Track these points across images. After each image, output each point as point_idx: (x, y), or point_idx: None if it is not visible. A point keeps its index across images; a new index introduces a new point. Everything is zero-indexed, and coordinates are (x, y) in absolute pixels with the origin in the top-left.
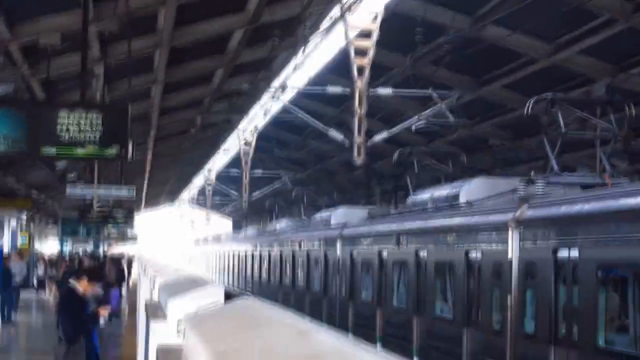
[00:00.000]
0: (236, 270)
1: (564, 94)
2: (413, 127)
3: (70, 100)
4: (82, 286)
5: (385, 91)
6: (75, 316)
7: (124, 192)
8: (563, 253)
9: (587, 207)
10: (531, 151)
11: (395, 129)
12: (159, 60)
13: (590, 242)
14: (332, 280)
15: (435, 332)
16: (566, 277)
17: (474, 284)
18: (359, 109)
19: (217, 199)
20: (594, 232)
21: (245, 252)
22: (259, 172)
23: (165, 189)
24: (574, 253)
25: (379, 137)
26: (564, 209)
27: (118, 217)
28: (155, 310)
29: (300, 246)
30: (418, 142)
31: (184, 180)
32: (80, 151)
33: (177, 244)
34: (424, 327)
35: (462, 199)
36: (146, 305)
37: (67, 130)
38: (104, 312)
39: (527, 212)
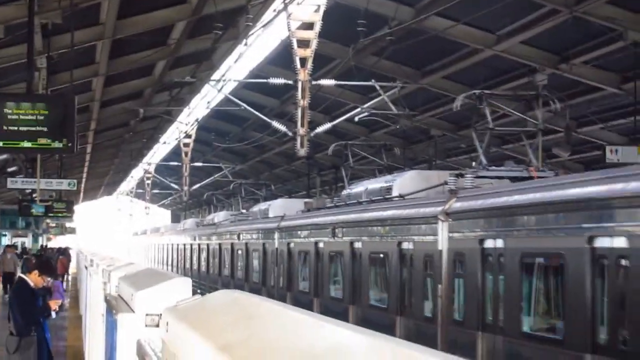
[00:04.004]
0: (175, 261)
1: (506, 84)
2: (356, 119)
3: (12, 92)
4: (33, 279)
5: (327, 82)
6: (26, 309)
7: (65, 185)
8: (489, 243)
9: (511, 199)
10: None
11: (337, 121)
12: (101, 52)
13: (514, 233)
14: (270, 271)
15: (370, 320)
16: (492, 267)
17: (407, 274)
18: (302, 100)
19: (156, 190)
20: (517, 223)
21: (184, 244)
22: (198, 164)
23: (104, 181)
24: (499, 243)
25: (321, 128)
26: (489, 202)
27: (58, 209)
28: (118, 304)
29: (239, 238)
30: (360, 133)
31: (123, 172)
32: (27, 144)
33: (116, 235)
34: (359, 315)
35: (395, 192)
36: (107, 298)
37: (14, 122)
38: (54, 305)
39: (456, 205)
